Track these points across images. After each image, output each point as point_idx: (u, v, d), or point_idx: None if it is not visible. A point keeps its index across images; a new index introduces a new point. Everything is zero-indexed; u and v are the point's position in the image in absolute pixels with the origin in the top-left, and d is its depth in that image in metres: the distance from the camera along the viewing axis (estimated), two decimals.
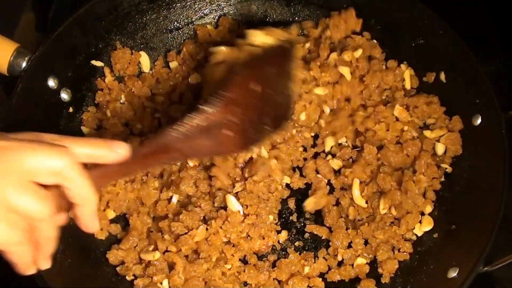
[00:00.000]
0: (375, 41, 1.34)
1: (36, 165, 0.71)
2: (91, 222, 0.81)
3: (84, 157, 0.78)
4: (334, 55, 1.28)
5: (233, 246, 1.13)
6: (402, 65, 1.31)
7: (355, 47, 1.31)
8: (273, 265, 1.14)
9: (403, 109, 1.23)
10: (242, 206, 1.14)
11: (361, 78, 1.27)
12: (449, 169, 1.19)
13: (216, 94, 0.90)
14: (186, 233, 1.11)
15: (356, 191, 1.17)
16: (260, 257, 1.15)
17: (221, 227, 1.12)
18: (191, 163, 1.17)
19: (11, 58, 1.12)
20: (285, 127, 1.10)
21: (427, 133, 1.21)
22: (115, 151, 0.81)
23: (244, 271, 1.11)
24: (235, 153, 1.03)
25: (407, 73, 1.29)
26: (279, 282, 1.12)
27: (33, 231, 0.74)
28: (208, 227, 1.12)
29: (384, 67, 1.30)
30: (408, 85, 1.29)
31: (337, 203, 1.21)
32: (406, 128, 1.21)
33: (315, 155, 1.26)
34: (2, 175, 0.69)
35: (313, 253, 1.16)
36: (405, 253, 1.13)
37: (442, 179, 1.20)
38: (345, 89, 1.26)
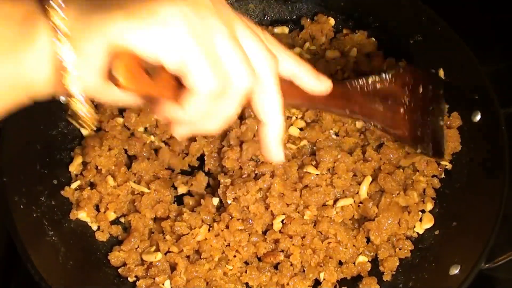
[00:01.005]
0: (373, 39, 1.35)
1: (249, 39, 0.65)
2: (274, 147, 0.73)
3: (287, 72, 0.75)
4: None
5: (236, 251, 1.13)
6: (400, 63, 1.32)
7: (352, 46, 1.33)
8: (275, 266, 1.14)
9: None
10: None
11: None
12: (449, 166, 1.19)
13: (393, 70, 1.04)
14: (188, 233, 1.11)
15: (364, 187, 1.17)
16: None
17: (222, 231, 1.12)
18: None
19: None
20: (439, 158, 1.15)
21: None
22: (319, 83, 0.80)
23: (246, 272, 1.11)
24: (402, 139, 1.09)
25: None
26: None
27: (219, 97, 0.64)
28: (210, 228, 1.12)
29: (384, 66, 1.31)
30: None
31: None
32: None
33: None
34: (215, 19, 0.61)
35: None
36: (406, 251, 1.13)
37: (443, 176, 1.20)
38: None
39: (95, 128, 0.61)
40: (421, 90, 1.09)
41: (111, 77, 0.58)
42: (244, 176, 1.17)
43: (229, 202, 1.13)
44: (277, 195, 1.13)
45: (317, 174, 1.16)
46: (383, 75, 1.01)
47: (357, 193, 1.17)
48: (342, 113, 0.96)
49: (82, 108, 0.61)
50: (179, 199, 1.22)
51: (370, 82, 0.98)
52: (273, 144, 0.73)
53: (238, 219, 1.13)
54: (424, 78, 1.12)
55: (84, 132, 1.26)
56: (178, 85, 0.63)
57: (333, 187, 1.16)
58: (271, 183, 1.13)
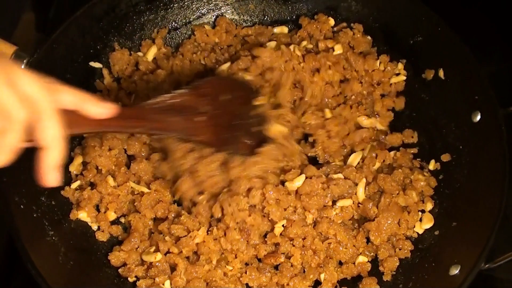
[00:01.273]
0: (369, 37, 1.35)
1: (24, 81, 0.75)
2: (51, 172, 0.79)
3: (69, 104, 0.82)
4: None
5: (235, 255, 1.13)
6: (399, 64, 1.33)
7: (341, 42, 1.34)
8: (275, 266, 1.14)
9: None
10: None
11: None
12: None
13: (190, 84, 1.12)
14: (186, 236, 1.11)
15: (360, 189, 1.17)
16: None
17: (220, 237, 1.12)
18: None
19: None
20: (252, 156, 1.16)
21: None
22: (102, 108, 0.87)
23: (246, 273, 1.11)
24: (209, 145, 1.14)
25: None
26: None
27: (2, 133, 0.74)
28: (209, 231, 1.12)
29: (378, 63, 1.32)
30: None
31: None
32: None
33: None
34: None
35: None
36: (406, 251, 1.13)
37: (441, 176, 1.20)
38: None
39: None
40: (227, 97, 1.14)
41: None
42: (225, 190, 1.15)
43: (219, 215, 1.13)
44: (274, 202, 1.13)
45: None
46: (178, 91, 1.07)
47: (355, 194, 1.17)
48: (141, 132, 1.02)
49: None
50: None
51: (165, 99, 1.03)
52: (50, 168, 0.79)
53: (235, 229, 1.12)
54: (231, 86, 1.17)
55: None
56: None
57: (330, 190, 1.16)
58: (265, 192, 1.12)
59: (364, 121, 1.27)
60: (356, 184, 1.17)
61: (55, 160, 0.79)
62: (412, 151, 1.25)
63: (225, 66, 1.29)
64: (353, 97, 1.30)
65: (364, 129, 1.27)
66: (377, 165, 1.22)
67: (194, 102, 1.08)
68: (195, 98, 1.09)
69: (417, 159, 1.24)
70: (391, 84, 1.32)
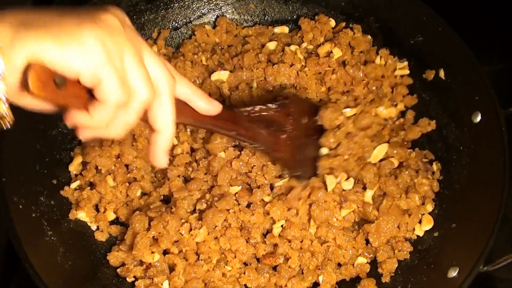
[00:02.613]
0: (369, 36, 1.35)
1: (152, 61, 0.77)
2: (161, 155, 0.83)
3: (183, 94, 0.87)
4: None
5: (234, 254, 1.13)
6: (399, 64, 1.32)
7: (342, 42, 1.33)
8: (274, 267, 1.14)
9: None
10: None
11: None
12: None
13: (281, 101, 1.16)
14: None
15: (369, 192, 1.16)
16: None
17: (221, 236, 1.12)
18: None
19: None
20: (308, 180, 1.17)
21: None
22: (211, 105, 0.91)
23: (245, 273, 1.11)
24: (282, 162, 1.16)
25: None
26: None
27: (122, 107, 0.75)
28: (209, 232, 1.12)
29: (379, 58, 1.32)
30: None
31: None
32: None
33: None
34: (125, 42, 0.73)
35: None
36: (405, 253, 1.13)
37: (441, 177, 1.20)
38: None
39: (9, 127, 0.70)
40: (305, 120, 1.17)
41: (24, 84, 0.66)
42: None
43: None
44: (277, 201, 1.13)
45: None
46: (269, 104, 1.11)
47: (362, 199, 1.17)
48: (229, 134, 1.04)
49: (2, 107, 0.68)
50: None
51: (257, 109, 1.08)
52: (161, 151, 0.83)
53: (236, 228, 1.13)
54: (310, 109, 1.18)
55: None
56: (87, 96, 0.73)
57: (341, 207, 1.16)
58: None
59: (383, 111, 1.26)
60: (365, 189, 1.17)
61: (167, 143, 0.83)
62: (425, 153, 1.24)
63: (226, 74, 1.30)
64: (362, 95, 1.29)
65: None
66: (396, 163, 1.21)
67: (281, 119, 1.12)
68: (282, 115, 1.12)
69: (425, 160, 1.23)
70: (396, 76, 1.31)
